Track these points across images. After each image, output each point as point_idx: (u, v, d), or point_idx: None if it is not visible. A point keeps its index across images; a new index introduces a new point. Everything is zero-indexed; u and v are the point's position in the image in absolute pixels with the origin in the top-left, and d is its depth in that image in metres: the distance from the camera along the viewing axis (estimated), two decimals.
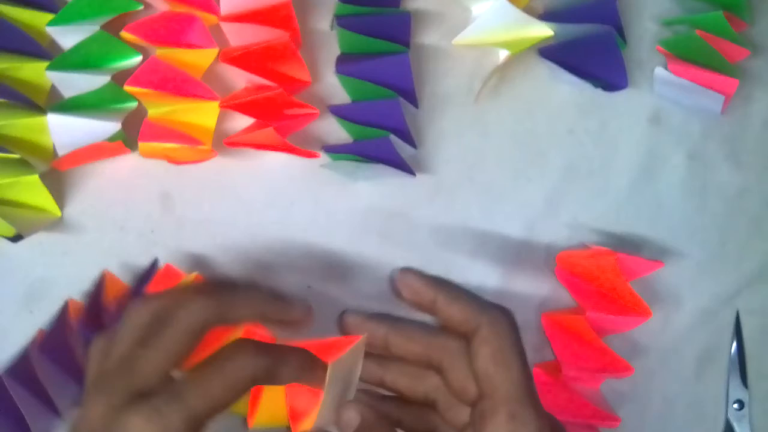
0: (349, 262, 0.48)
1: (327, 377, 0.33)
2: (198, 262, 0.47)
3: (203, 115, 0.46)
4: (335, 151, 0.47)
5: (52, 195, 0.46)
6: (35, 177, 0.45)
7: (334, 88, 0.48)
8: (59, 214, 0.47)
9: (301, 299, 0.36)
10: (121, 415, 0.30)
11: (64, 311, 0.45)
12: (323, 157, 0.48)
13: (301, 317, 0.36)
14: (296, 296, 0.36)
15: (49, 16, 0.44)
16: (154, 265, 0.46)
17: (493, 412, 0.32)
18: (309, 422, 0.35)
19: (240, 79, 0.47)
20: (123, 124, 0.44)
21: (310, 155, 0.47)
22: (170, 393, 0.31)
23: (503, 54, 0.48)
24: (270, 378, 0.33)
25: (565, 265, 0.48)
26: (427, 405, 0.36)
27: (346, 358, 0.34)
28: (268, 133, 0.44)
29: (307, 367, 0.34)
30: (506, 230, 0.49)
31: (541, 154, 0.49)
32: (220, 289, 0.34)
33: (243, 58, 0.45)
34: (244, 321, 0.34)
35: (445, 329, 0.34)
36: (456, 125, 0.49)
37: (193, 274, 0.44)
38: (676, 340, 0.49)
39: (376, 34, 0.46)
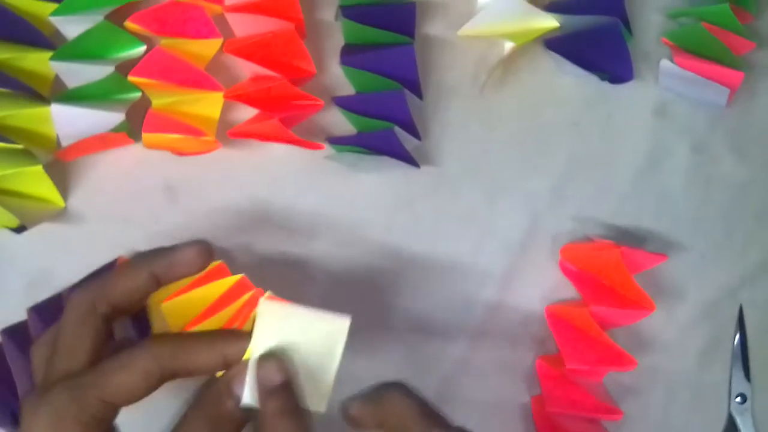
0: (353, 253, 0.48)
1: (250, 348, 0.33)
2: None
3: (207, 106, 0.45)
4: (339, 142, 0.47)
5: (56, 186, 0.46)
6: (39, 167, 0.45)
7: (338, 79, 0.48)
8: (63, 204, 0.47)
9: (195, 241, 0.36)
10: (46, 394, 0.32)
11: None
12: (327, 149, 0.47)
13: (196, 258, 0.36)
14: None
15: (53, 6, 0.44)
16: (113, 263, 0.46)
17: None
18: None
19: (244, 69, 0.47)
20: (127, 115, 0.44)
21: (315, 147, 0.46)
22: (90, 375, 0.33)
23: (508, 45, 0.48)
24: (180, 367, 0.33)
25: (569, 257, 0.48)
26: None
27: (294, 330, 0.34)
28: (272, 125, 0.44)
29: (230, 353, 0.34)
30: (510, 222, 0.49)
31: (546, 146, 0.49)
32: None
33: (247, 49, 0.44)
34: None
35: None
36: (461, 117, 0.49)
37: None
38: (679, 334, 0.49)
39: (381, 25, 0.46)
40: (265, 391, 0.33)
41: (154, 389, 0.33)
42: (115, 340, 0.36)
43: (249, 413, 0.34)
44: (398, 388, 0.34)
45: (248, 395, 0.33)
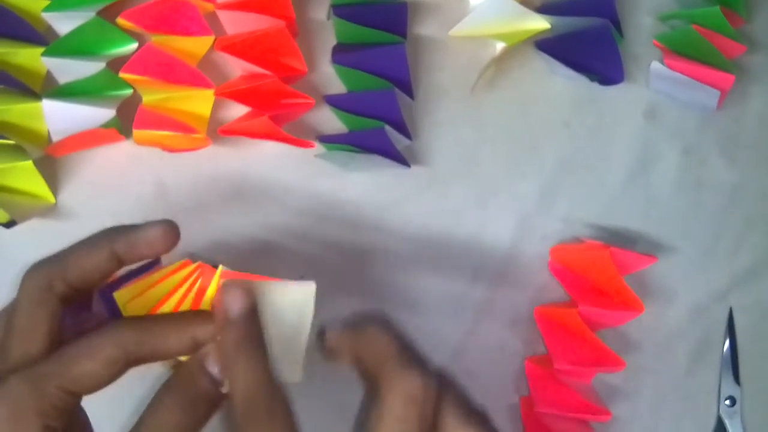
0: (343, 253, 0.48)
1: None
2: (190, 250, 0.47)
3: (198, 103, 0.46)
4: (330, 141, 0.47)
5: (46, 181, 0.46)
6: (29, 163, 0.45)
7: (329, 77, 0.48)
8: (53, 200, 0.47)
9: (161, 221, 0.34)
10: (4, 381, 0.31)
11: None
12: (318, 147, 0.47)
13: (161, 238, 0.33)
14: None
15: (46, 2, 0.44)
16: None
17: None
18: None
19: (235, 67, 0.47)
20: (117, 111, 0.44)
21: (305, 145, 0.47)
22: (50, 364, 0.31)
23: (500, 46, 0.48)
24: (147, 352, 0.32)
25: (558, 258, 0.48)
26: None
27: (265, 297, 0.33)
28: (263, 122, 0.44)
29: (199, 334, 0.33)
30: (500, 222, 0.49)
31: (536, 147, 0.49)
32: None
33: (239, 47, 0.45)
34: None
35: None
36: (451, 117, 0.49)
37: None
38: (668, 336, 0.49)
39: (373, 25, 0.46)
40: (224, 320, 0.32)
41: (118, 376, 0.32)
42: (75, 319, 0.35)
43: (224, 393, 0.33)
44: (378, 321, 0.33)
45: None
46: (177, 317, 0.34)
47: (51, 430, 0.31)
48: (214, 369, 0.32)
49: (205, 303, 0.35)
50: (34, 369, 0.31)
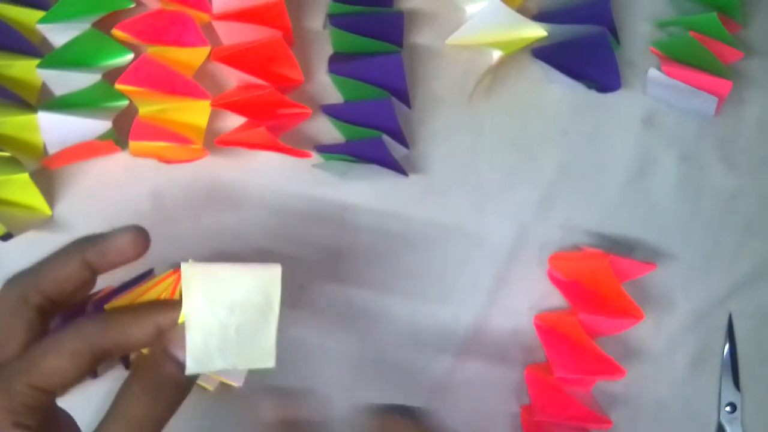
0: (341, 263, 0.48)
1: (183, 313, 0.32)
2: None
3: (194, 113, 0.45)
4: (327, 151, 0.47)
5: (43, 194, 0.46)
6: (25, 175, 0.45)
7: (326, 87, 0.48)
8: (49, 213, 0.47)
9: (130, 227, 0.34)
10: None
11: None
12: (315, 157, 0.47)
13: (130, 244, 0.33)
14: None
15: (41, 14, 0.44)
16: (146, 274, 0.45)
17: None
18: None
19: (232, 77, 0.47)
20: (114, 123, 0.44)
21: (302, 155, 0.46)
22: (18, 363, 0.31)
23: (496, 54, 0.48)
24: (111, 343, 0.32)
25: (557, 266, 0.48)
26: None
27: (226, 288, 0.32)
28: (260, 133, 0.44)
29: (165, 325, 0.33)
30: (499, 231, 0.49)
31: (534, 155, 0.49)
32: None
33: (235, 57, 0.44)
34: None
35: None
36: (449, 126, 0.49)
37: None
38: (668, 343, 0.49)
39: (369, 34, 0.46)
40: None
41: (86, 371, 0.32)
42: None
43: (192, 378, 0.33)
44: (405, 410, 0.35)
45: (191, 363, 0.32)
46: (138, 307, 0.34)
47: (24, 428, 0.31)
48: (178, 353, 0.32)
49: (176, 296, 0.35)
50: (3, 369, 0.31)
